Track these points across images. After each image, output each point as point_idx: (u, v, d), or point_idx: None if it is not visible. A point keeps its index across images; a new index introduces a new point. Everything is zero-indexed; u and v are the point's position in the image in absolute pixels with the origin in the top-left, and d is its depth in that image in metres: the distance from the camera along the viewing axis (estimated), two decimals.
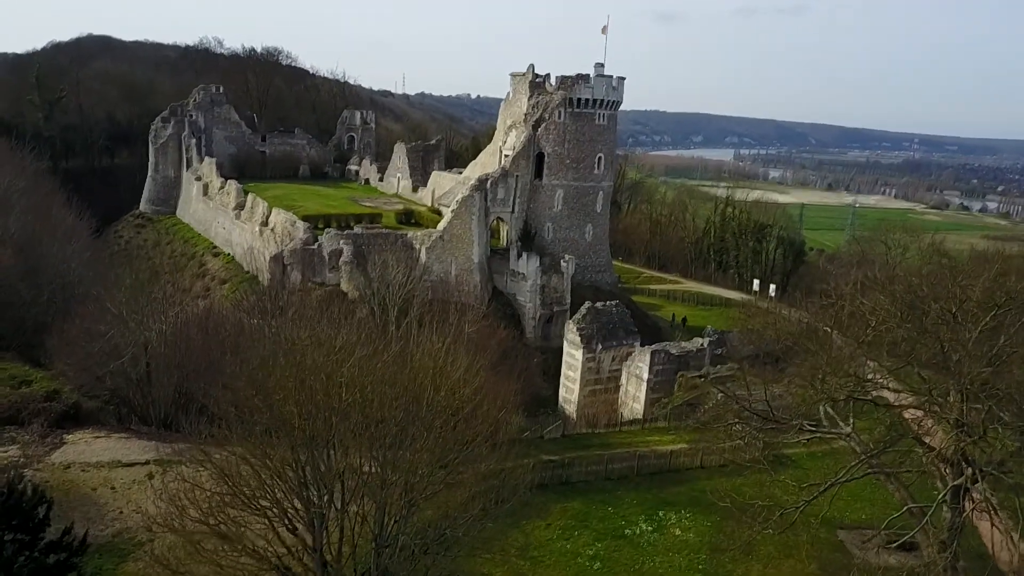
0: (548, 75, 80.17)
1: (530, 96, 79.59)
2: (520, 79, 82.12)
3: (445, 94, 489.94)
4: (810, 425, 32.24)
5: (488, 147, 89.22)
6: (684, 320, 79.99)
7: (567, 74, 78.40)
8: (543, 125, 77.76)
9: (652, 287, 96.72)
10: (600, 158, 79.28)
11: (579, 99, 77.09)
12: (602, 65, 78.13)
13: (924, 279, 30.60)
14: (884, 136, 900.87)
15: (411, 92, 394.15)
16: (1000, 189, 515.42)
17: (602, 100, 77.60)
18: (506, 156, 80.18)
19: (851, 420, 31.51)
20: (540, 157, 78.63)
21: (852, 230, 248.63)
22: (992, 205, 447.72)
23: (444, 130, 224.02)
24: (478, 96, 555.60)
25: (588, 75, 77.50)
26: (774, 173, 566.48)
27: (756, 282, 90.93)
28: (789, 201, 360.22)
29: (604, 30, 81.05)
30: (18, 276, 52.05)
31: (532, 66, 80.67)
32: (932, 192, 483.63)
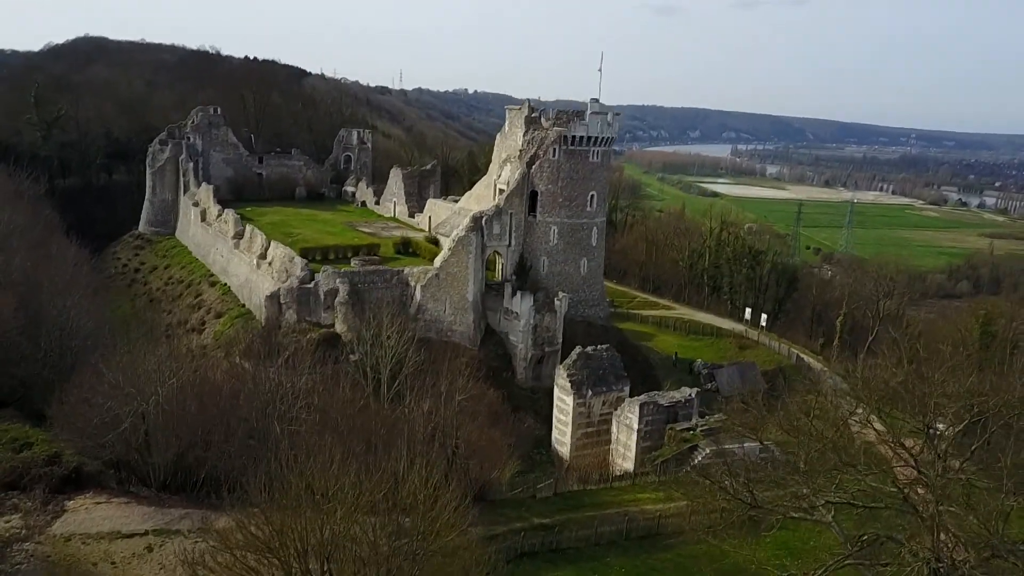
0: (545, 110, 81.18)
1: (525, 131, 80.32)
2: (516, 113, 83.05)
3: (443, 89, 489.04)
4: (794, 513, 33.32)
5: (483, 179, 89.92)
6: (690, 365, 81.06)
7: (565, 101, 79.69)
8: (537, 162, 78.39)
9: (644, 313, 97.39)
10: (593, 196, 79.98)
11: (574, 136, 77.72)
12: (597, 101, 78.65)
13: (903, 380, 31.45)
14: (881, 131, 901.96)
15: (408, 87, 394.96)
16: (997, 185, 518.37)
17: (596, 137, 78.26)
18: (500, 191, 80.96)
19: (832, 511, 32.62)
20: (533, 195, 79.44)
21: (850, 228, 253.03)
22: (990, 201, 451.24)
23: (440, 135, 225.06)
24: (475, 91, 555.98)
25: (584, 111, 78.08)
26: (771, 169, 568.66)
27: (748, 310, 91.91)
28: (787, 197, 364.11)
29: (599, 69, 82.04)
30: (18, 330, 52.46)
31: (528, 101, 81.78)
32: (929, 188, 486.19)
